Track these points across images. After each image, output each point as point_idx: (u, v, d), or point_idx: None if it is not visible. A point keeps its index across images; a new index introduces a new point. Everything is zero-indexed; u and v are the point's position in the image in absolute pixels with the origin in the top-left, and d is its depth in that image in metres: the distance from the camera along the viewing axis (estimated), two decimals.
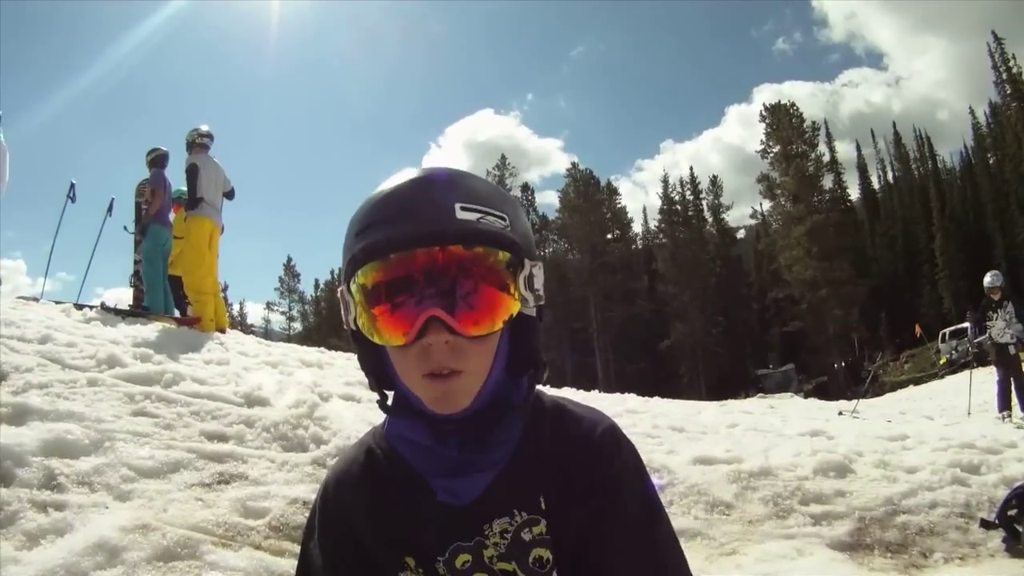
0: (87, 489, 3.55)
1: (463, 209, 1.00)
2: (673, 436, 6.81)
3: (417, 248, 0.97)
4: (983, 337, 11.88)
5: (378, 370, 1.10)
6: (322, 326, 73.32)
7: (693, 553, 3.91)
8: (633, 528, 1.10)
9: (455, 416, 1.04)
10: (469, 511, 1.08)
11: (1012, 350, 11.44)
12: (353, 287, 1.03)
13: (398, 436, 1.15)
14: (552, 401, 1.21)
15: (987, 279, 11.95)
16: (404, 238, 0.97)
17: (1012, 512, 4.67)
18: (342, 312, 1.08)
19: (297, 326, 79.26)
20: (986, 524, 4.75)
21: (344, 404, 6.03)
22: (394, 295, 0.99)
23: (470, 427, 1.07)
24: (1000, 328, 11.57)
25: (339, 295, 1.08)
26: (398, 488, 1.13)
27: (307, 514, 3.77)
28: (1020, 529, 4.60)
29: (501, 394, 1.09)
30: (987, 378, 12.68)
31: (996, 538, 4.69)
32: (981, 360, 21.00)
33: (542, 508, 1.09)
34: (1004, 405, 11.38)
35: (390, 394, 1.14)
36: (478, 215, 1.01)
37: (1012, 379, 11.36)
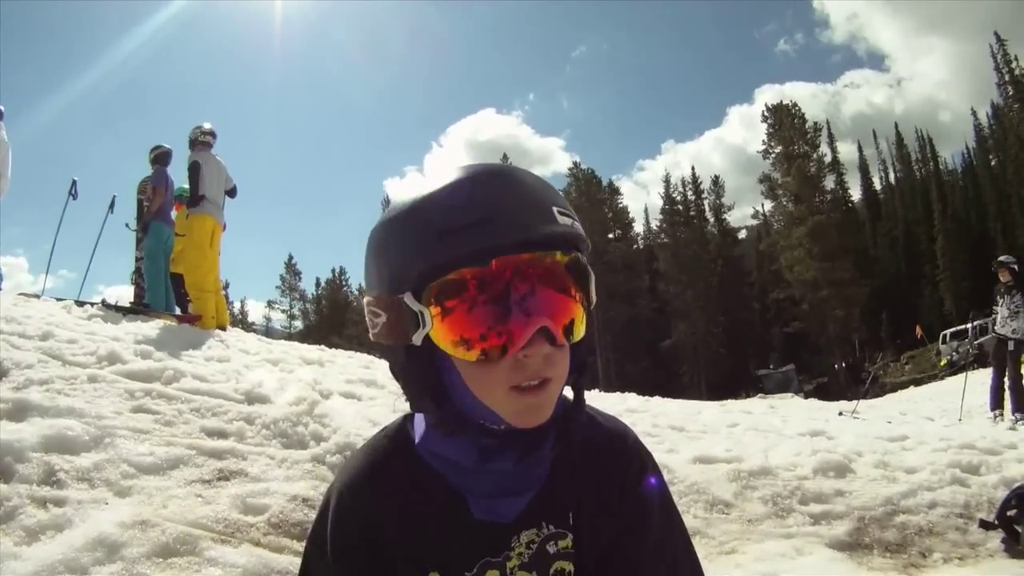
0: (87, 485, 3.55)
1: (561, 213, 0.95)
2: (673, 435, 6.81)
3: (524, 253, 0.91)
4: (985, 338, 11.42)
5: (434, 387, 1.00)
6: (323, 324, 73.35)
7: None
8: (658, 542, 1.09)
9: (516, 429, 0.98)
10: (504, 527, 1.05)
11: (1011, 346, 10.74)
12: (430, 295, 0.92)
13: (434, 453, 1.08)
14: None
15: (1001, 258, 11.29)
16: (509, 243, 0.90)
17: (1011, 513, 4.67)
18: (390, 324, 0.97)
19: (298, 324, 79.26)
20: (985, 525, 4.74)
21: (345, 402, 6.04)
22: (494, 303, 0.91)
23: (523, 440, 1.01)
24: (1003, 317, 10.89)
25: (378, 306, 0.98)
26: (428, 503, 1.06)
27: (307, 511, 3.75)
28: (1019, 530, 4.59)
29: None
30: (986, 379, 12.49)
31: (995, 539, 4.69)
32: (981, 362, 20.95)
33: (570, 522, 1.07)
34: (996, 403, 10.92)
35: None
36: (571, 219, 0.96)
37: (1009, 376, 10.77)
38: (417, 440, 1.11)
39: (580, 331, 0.98)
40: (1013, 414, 10.40)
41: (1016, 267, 11.02)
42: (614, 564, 1.07)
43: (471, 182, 0.95)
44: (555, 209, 0.94)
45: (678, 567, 1.11)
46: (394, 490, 1.08)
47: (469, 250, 0.89)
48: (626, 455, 1.13)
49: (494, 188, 0.94)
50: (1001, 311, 10.92)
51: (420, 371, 0.99)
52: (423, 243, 0.92)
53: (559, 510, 1.07)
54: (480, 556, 1.04)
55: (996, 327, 11.07)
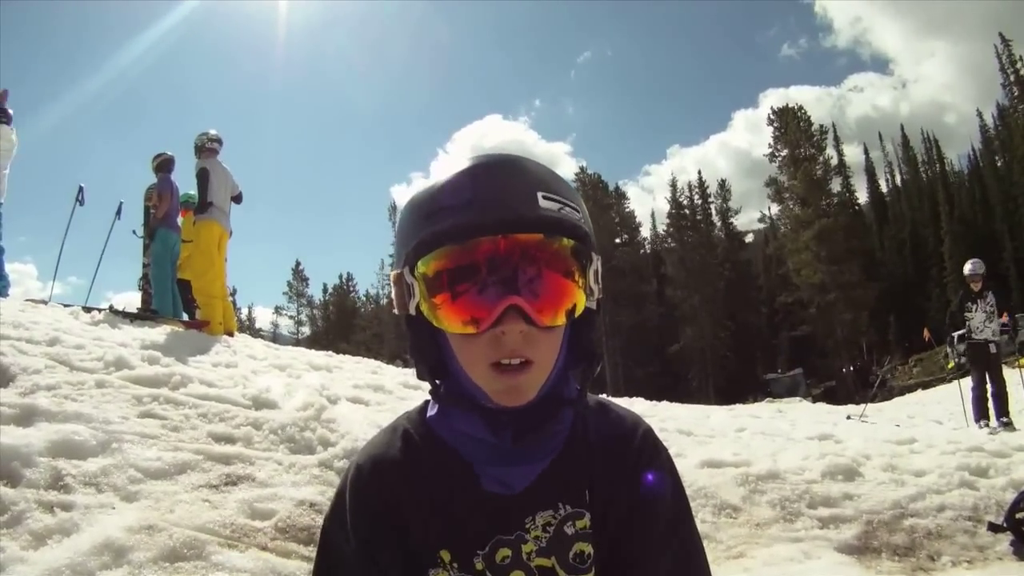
0: (94, 490, 3.56)
1: (545, 198, 0.98)
2: (681, 439, 6.81)
3: (499, 234, 0.96)
4: (958, 345, 10.97)
5: (432, 358, 1.07)
6: (330, 330, 73.41)
7: None
8: (669, 531, 1.10)
9: (514, 407, 1.02)
10: (515, 502, 1.06)
11: (993, 348, 10.50)
12: (418, 271, 1.00)
13: (445, 426, 1.12)
14: (594, 398, 1.20)
15: (968, 267, 10.95)
16: (487, 224, 0.95)
17: (1020, 515, 4.65)
18: (396, 296, 1.05)
19: (306, 330, 79.34)
20: (994, 527, 4.73)
21: (352, 407, 6.04)
22: (470, 281, 0.97)
23: (525, 419, 1.05)
24: (979, 321, 10.56)
25: (393, 279, 1.06)
26: (441, 476, 1.09)
27: (314, 516, 3.73)
28: None
29: (556, 387, 1.08)
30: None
31: (1004, 541, 4.67)
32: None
33: (586, 501, 1.07)
34: (981, 413, 10.51)
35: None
36: (559, 205, 0.99)
37: (991, 382, 10.44)
38: (429, 415, 1.16)
39: (561, 316, 1.01)
40: (998, 419, 10.14)
41: (983, 271, 10.81)
42: (626, 548, 1.07)
43: (462, 169, 1.01)
44: (539, 194, 0.98)
45: (688, 554, 1.12)
46: (409, 464, 1.12)
47: (449, 228, 0.96)
48: (637, 442, 1.15)
49: (479, 173, 1.00)
50: (976, 315, 10.64)
51: (419, 342, 1.07)
52: (416, 223, 1.01)
53: (573, 488, 1.08)
54: (492, 534, 1.06)
55: (974, 334, 10.68)
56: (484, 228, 0.95)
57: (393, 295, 1.07)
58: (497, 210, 0.95)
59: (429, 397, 1.15)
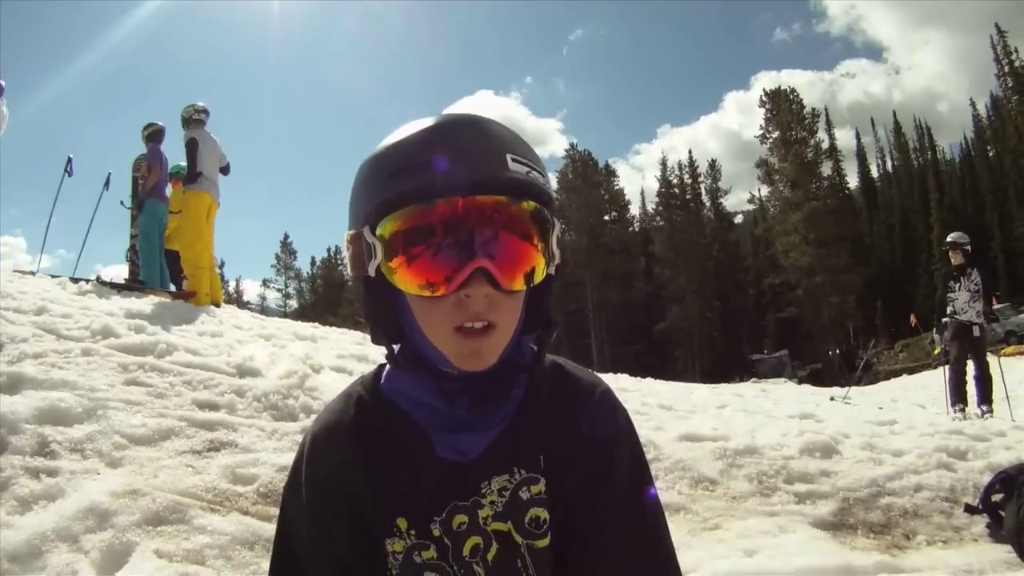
0: (79, 456, 3.58)
1: (514, 160, 0.97)
2: (661, 414, 6.83)
3: (467, 195, 0.94)
4: (942, 335, 10.49)
5: (389, 322, 1.05)
6: (318, 304, 73.15)
7: (676, 527, 3.93)
8: (626, 492, 1.08)
9: (473, 373, 1.01)
10: (470, 468, 1.06)
11: (977, 331, 9.95)
12: (380, 231, 0.98)
13: (399, 392, 1.12)
14: (551, 360, 1.18)
15: (950, 236, 10.49)
16: (456, 184, 0.93)
17: (996, 497, 4.69)
18: (353, 257, 1.03)
19: (293, 303, 79.10)
20: (970, 509, 4.76)
21: (335, 376, 6.04)
22: (436, 242, 0.95)
23: (481, 385, 1.04)
24: (963, 301, 10.03)
25: (348, 240, 1.03)
26: (395, 443, 1.09)
27: None
28: (1003, 514, 4.63)
29: (512, 352, 1.07)
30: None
31: (980, 523, 4.70)
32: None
33: (541, 466, 1.07)
34: (958, 397, 9.95)
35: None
36: (527, 168, 0.98)
37: (974, 365, 9.96)
38: (383, 380, 1.15)
39: (523, 280, 1.00)
40: (979, 406, 9.69)
41: (969, 247, 10.27)
42: (582, 510, 1.07)
43: (429, 127, 0.99)
44: (509, 156, 0.97)
45: (646, 514, 1.10)
46: (363, 431, 1.11)
47: (414, 187, 0.94)
48: (594, 402, 1.14)
49: (447, 133, 0.98)
50: (960, 295, 10.09)
51: (376, 304, 1.05)
52: (378, 181, 0.98)
53: (528, 453, 1.07)
54: (448, 500, 1.06)
55: (958, 314, 10.15)
56: (453, 188, 0.93)
57: (348, 256, 1.05)
58: (467, 171, 0.93)
59: (385, 362, 1.13)
